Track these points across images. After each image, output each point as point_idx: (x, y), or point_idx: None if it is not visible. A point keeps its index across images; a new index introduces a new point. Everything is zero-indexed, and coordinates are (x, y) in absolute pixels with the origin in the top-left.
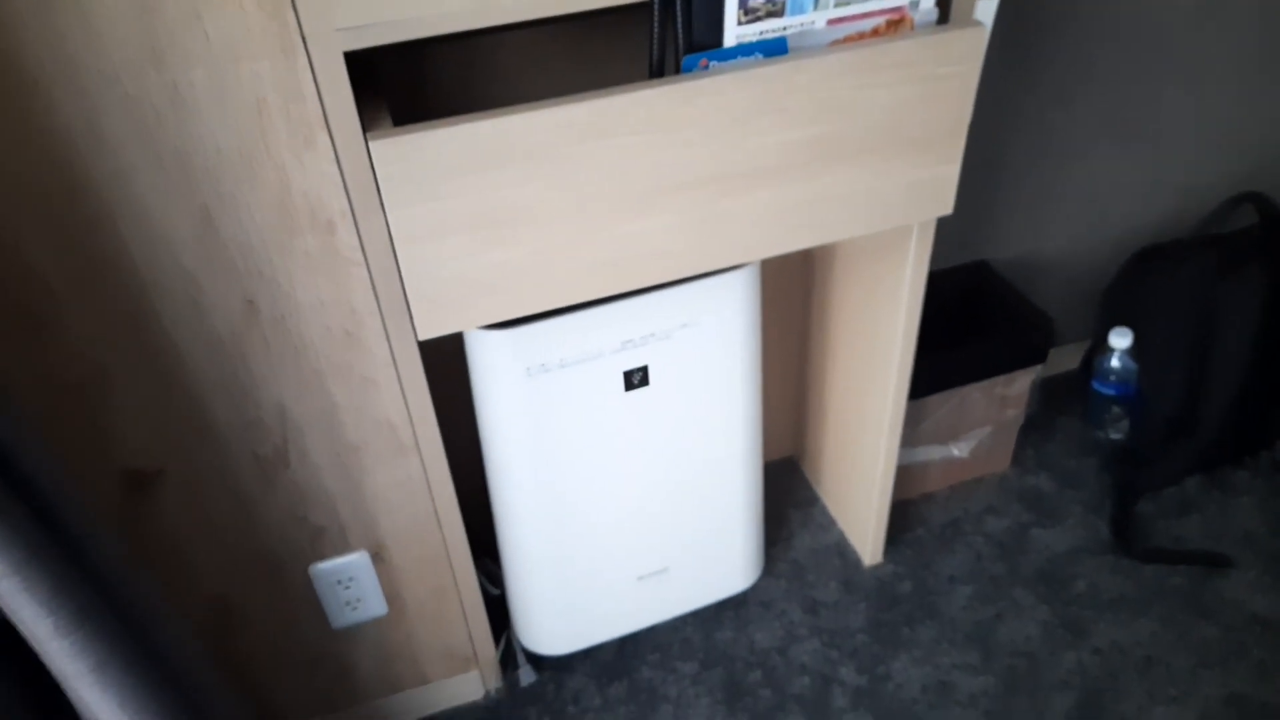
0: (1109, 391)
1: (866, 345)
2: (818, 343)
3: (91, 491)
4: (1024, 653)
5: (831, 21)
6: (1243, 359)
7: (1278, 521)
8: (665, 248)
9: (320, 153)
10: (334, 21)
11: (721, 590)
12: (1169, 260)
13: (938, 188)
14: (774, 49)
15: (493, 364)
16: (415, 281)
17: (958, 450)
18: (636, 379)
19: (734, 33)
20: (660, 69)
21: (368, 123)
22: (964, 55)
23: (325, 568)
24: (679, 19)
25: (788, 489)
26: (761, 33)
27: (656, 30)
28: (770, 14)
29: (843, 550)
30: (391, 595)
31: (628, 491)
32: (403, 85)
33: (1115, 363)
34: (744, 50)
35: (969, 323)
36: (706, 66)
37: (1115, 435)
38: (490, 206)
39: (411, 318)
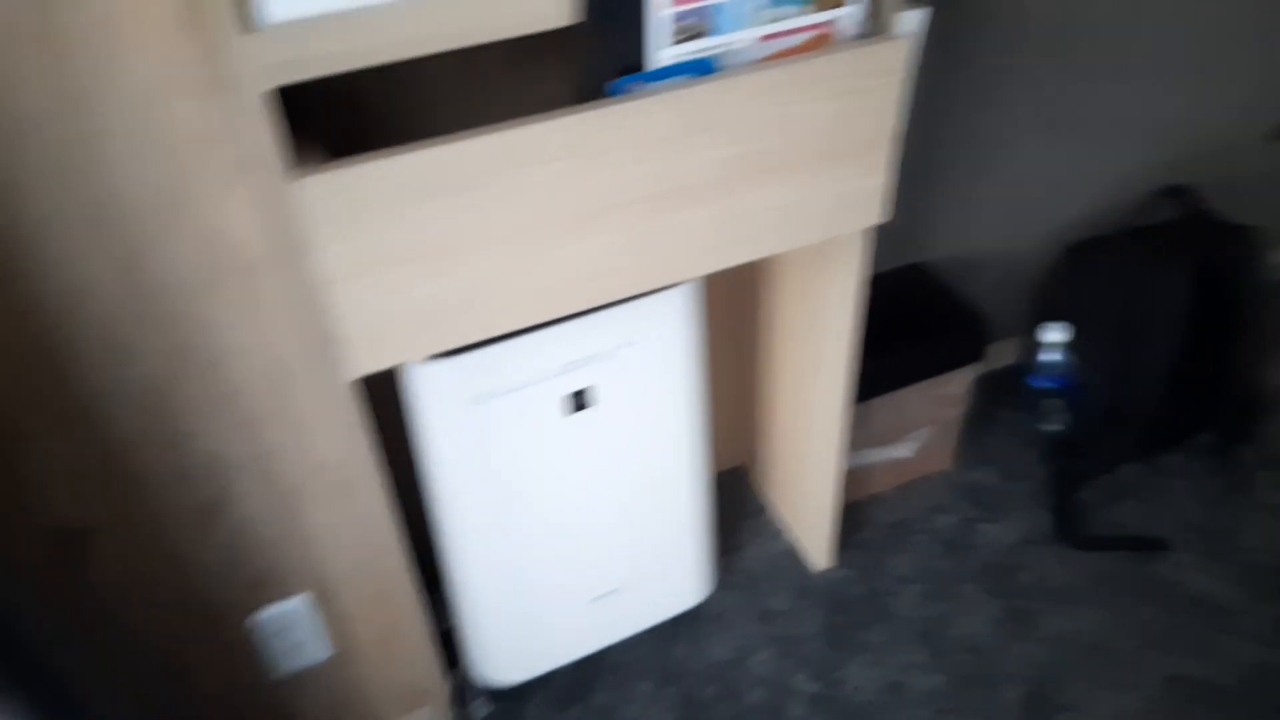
0: (1045, 385)
1: (810, 352)
2: (763, 351)
3: (15, 554)
4: (974, 648)
5: (762, 39)
6: (1172, 347)
7: (1211, 503)
8: (602, 270)
9: (245, 192)
10: (257, 58)
11: (675, 606)
12: (1098, 253)
13: (869, 198)
14: (702, 69)
15: (432, 395)
16: (348, 318)
17: (903, 451)
18: (580, 401)
19: (663, 54)
20: (590, 93)
21: (298, 159)
22: (887, 68)
23: (266, 616)
24: (605, 43)
25: (738, 499)
26: (690, 53)
27: (584, 54)
28: (698, 35)
29: (794, 557)
30: (339, 637)
31: (576, 514)
32: (339, 117)
33: (1050, 357)
34: (672, 71)
35: (907, 325)
36: (636, 88)
37: (1054, 427)
38: (422, 239)
39: (345, 356)
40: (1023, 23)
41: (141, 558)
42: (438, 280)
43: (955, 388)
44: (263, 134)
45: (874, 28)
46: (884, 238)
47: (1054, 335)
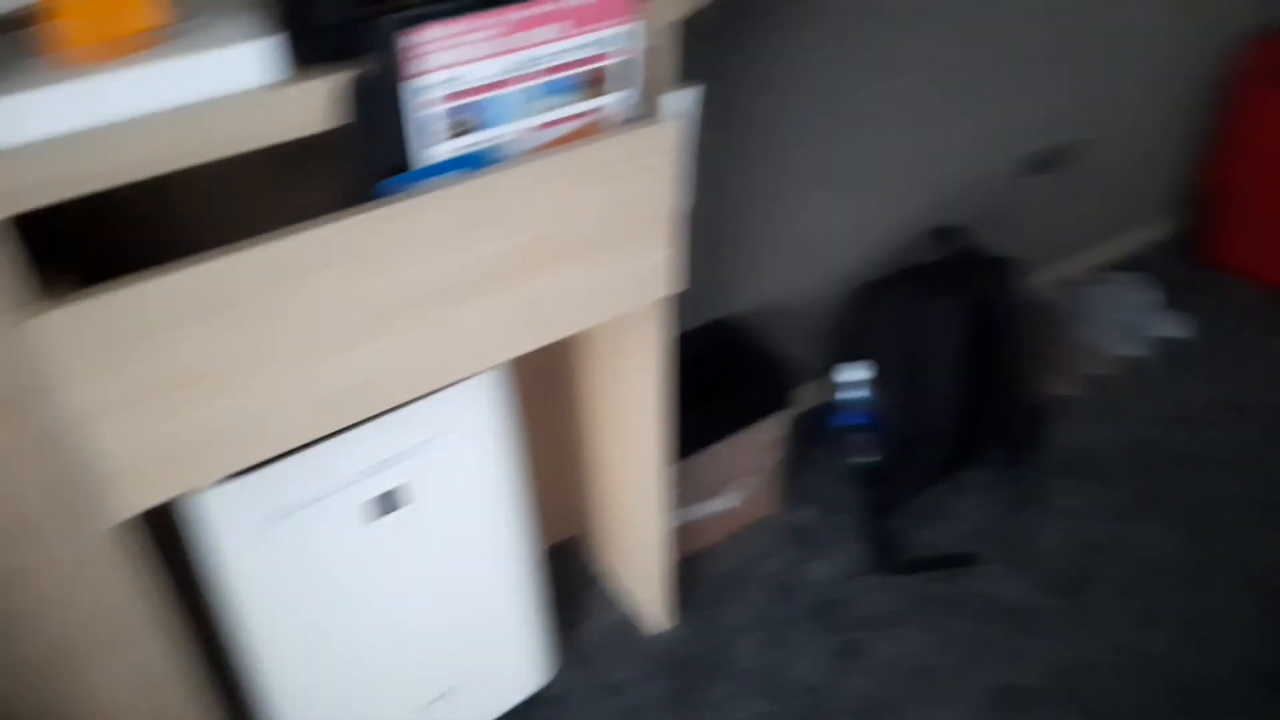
0: (850, 421)
1: (626, 417)
2: (582, 420)
3: None
4: (811, 688)
5: (537, 128)
6: (956, 373)
7: (1009, 514)
8: (392, 372)
9: None
10: None
11: (516, 695)
12: (882, 293)
13: (657, 272)
14: (476, 163)
15: (220, 522)
16: (110, 456)
17: (728, 501)
18: (390, 502)
19: (438, 149)
20: (360, 195)
21: (44, 290)
22: (660, 149)
23: None
24: (371, 144)
25: (573, 571)
26: (463, 148)
27: (352, 156)
28: (471, 129)
29: (633, 624)
30: None
31: (398, 621)
32: (98, 236)
33: (850, 394)
34: (446, 167)
35: (719, 379)
36: (406, 188)
37: (862, 460)
38: (187, 363)
39: (110, 496)
40: (796, 84)
41: None
42: (210, 404)
43: (770, 435)
44: None
45: (647, 110)
46: (689, 296)
47: (851, 374)
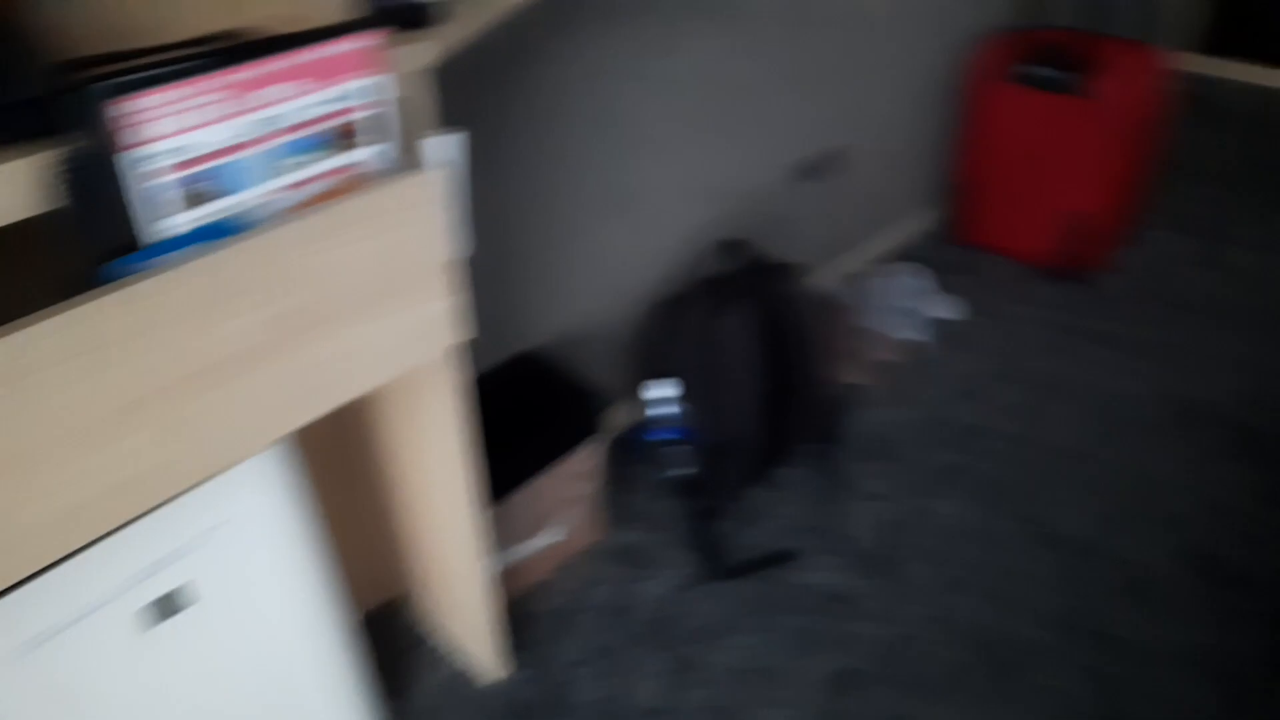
0: (663, 436)
1: (432, 467)
2: (389, 478)
3: None
4: (653, 710)
5: (288, 188)
6: (754, 377)
7: (820, 504)
8: (152, 468)
9: None
10: None
11: None
12: (679, 308)
13: (440, 323)
14: (219, 233)
15: None
16: None
17: (554, 535)
18: (167, 607)
19: (175, 221)
20: (85, 282)
21: None
22: (424, 199)
23: None
24: (93, 225)
25: (399, 633)
26: (203, 218)
27: (73, 240)
28: (207, 198)
29: (467, 677)
30: None
31: None
32: None
33: (660, 410)
34: (183, 241)
35: (527, 415)
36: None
37: (679, 473)
38: None
39: None
40: (567, 114)
41: None
42: None
43: (585, 463)
44: None
45: (408, 160)
46: (486, 335)
47: (658, 391)
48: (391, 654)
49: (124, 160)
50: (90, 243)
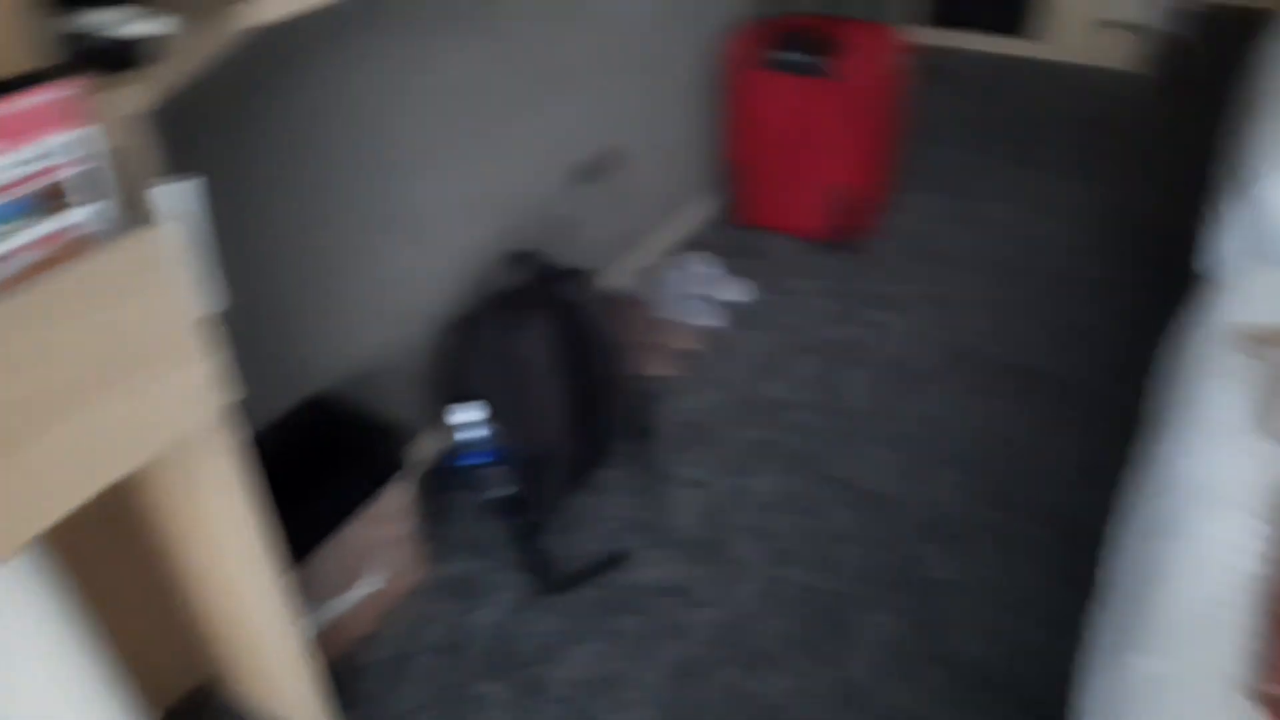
0: (476, 459)
1: (224, 539)
2: (183, 555)
3: None
4: None
5: None
6: (558, 386)
7: (643, 500)
8: None
9: None
10: None
11: None
12: (474, 326)
13: (202, 386)
14: None
15: None
16: None
17: (373, 583)
18: None
19: None
20: None
21: None
22: (157, 257)
23: None
24: None
25: (214, 716)
26: None
27: None
28: None
29: None
30: None
31: None
32: None
33: (468, 434)
34: None
35: (325, 461)
36: None
37: (499, 492)
38: None
39: None
40: (331, 141)
41: None
42: None
43: (396, 502)
44: None
45: (135, 217)
46: (266, 383)
47: (464, 414)
48: None
49: None
50: None
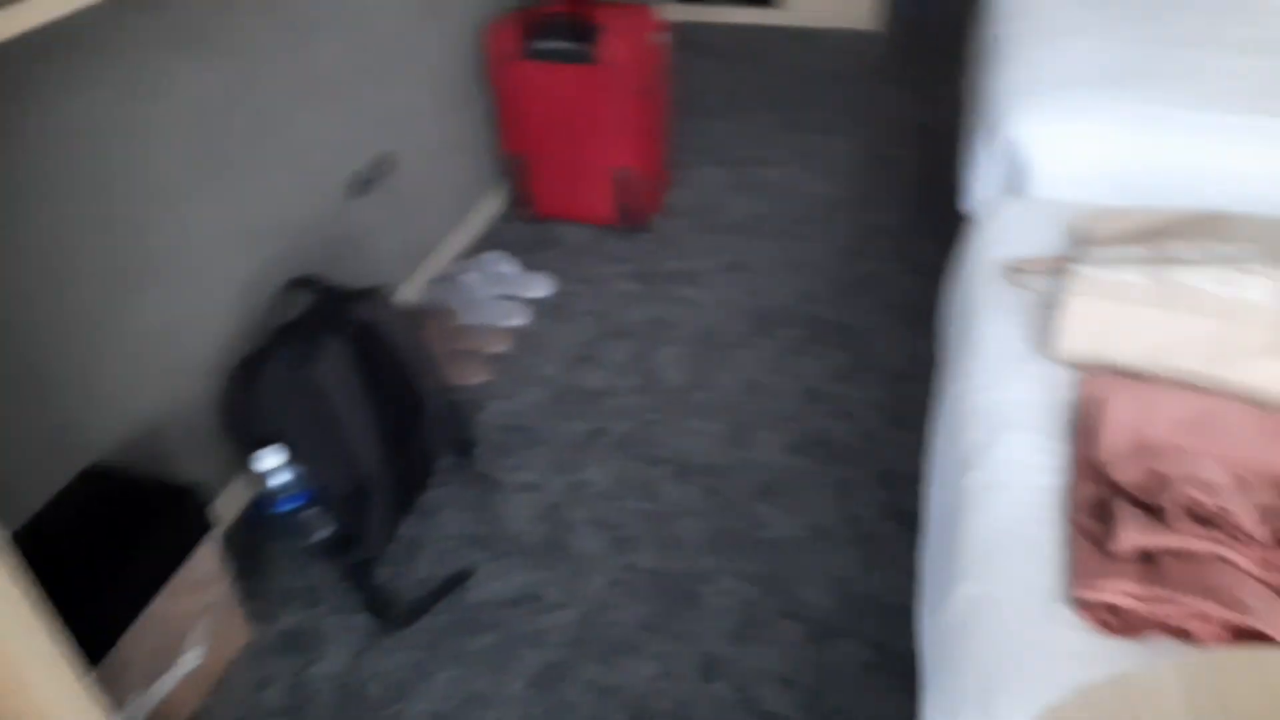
0: (290, 504)
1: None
2: None
3: None
4: None
5: None
6: (367, 412)
7: (477, 512)
8: None
9: None
10: None
11: None
12: (261, 365)
13: None
14: None
15: None
16: None
17: (192, 659)
18: None
19: None
20: None
21: None
22: None
23: None
24: None
25: None
26: None
27: None
28: None
29: None
30: None
31: None
32: None
33: (277, 480)
34: None
35: (113, 537)
36: None
37: (321, 535)
38: None
39: None
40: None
41: None
42: None
43: (203, 567)
44: None
45: None
46: (29, 464)
47: (268, 460)
48: None
49: None
50: None
